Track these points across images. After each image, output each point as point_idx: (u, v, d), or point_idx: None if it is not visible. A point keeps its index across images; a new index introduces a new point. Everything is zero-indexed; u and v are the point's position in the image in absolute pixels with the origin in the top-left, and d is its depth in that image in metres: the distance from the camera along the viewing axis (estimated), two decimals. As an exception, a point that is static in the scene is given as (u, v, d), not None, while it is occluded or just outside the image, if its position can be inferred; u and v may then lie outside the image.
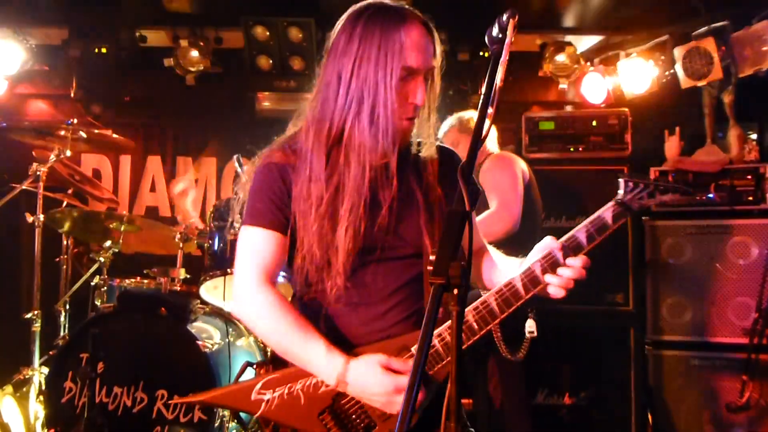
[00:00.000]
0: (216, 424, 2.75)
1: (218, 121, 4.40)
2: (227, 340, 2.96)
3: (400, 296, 1.55)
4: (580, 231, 1.52)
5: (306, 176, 1.48)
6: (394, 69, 1.43)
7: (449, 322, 1.37)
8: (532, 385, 3.52)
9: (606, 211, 1.53)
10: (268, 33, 3.86)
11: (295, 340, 1.47)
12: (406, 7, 1.51)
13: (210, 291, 3.05)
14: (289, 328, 1.47)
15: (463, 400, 1.55)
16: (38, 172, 3.12)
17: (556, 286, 1.47)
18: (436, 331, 1.46)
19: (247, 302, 1.53)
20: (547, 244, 1.51)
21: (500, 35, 1.36)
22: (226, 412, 2.80)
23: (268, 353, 3.31)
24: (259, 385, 1.49)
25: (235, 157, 2.94)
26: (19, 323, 3.50)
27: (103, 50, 3.89)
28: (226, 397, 1.59)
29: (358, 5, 1.53)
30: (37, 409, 3.10)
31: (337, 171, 1.48)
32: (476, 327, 1.47)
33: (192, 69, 4.02)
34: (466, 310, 1.44)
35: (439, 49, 1.53)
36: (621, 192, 1.55)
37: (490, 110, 1.28)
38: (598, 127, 3.63)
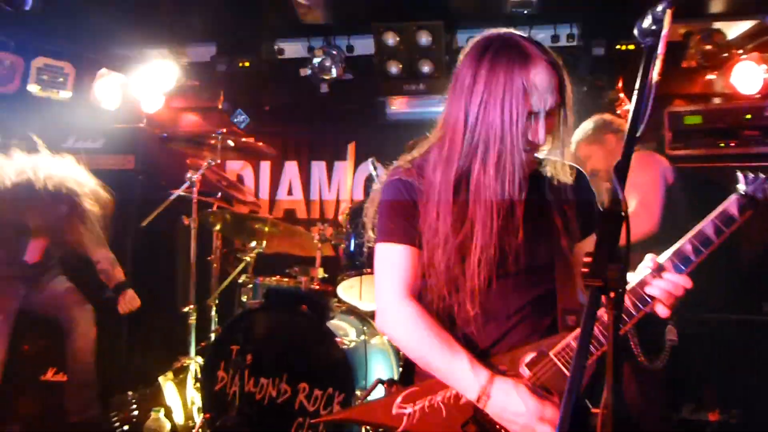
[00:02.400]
0: (353, 420, 2.85)
1: (350, 126, 4.54)
2: (363, 338, 3.06)
3: (526, 312, 1.55)
4: (707, 225, 1.46)
5: (434, 212, 1.52)
6: (520, 115, 1.43)
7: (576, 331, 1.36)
8: (675, 398, 3.31)
9: (730, 204, 1.47)
10: (397, 38, 3.94)
11: (439, 352, 1.48)
12: (531, 42, 1.49)
13: (346, 290, 3.16)
14: (432, 340, 1.49)
15: (594, 410, 1.50)
16: (193, 179, 3.40)
17: (660, 303, 1.42)
18: (563, 342, 1.45)
19: (391, 316, 1.56)
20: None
21: (654, 27, 1.31)
22: (363, 407, 2.89)
23: (401, 353, 3.39)
24: (399, 399, 1.52)
25: (369, 160, 3.04)
26: (175, 316, 3.85)
27: (246, 64, 4.16)
28: (367, 414, 1.62)
29: (483, 37, 1.53)
30: (193, 394, 3.38)
31: (465, 209, 1.50)
32: (602, 339, 1.43)
33: (326, 77, 4.20)
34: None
35: (567, 82, 1.51)
36: (742, 185, 1.49)
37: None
38: (753, 120, 3.34)
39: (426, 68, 4.04)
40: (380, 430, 2.22)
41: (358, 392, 2.81)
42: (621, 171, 1.14)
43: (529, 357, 1.48)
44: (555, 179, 1.60)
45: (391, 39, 3.92)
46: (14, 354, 3.52)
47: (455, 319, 1.53)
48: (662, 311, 1.43)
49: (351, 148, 4.29)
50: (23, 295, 3.42)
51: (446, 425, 1.48)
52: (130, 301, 3.63)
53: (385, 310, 1.58)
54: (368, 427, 2.78)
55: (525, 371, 1.48)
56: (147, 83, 4.37)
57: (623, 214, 1.08)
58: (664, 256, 1.46)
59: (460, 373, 1.45)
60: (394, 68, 4.04)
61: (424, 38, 3.92)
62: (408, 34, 3.92)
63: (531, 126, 1.47)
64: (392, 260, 1.56)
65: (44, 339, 3.81)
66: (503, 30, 1.53)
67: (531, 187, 1.58)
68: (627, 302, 1.42)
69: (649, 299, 1.42)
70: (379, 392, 1.64)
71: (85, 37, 4.23)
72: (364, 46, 4.28)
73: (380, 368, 3.10)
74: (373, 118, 4.41)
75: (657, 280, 1.42)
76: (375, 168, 3.03)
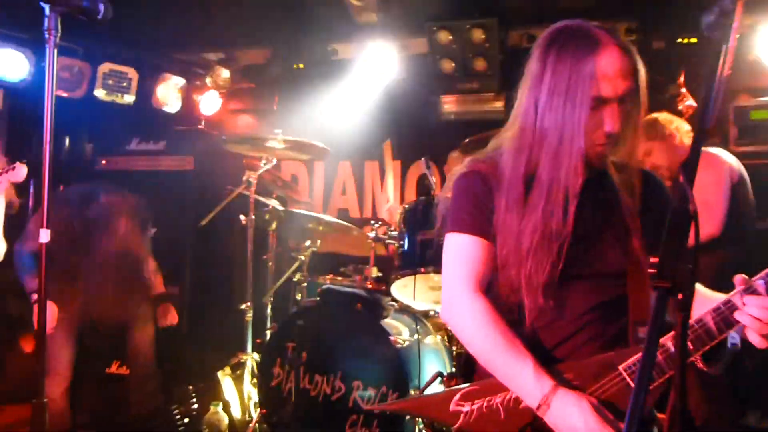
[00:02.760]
0: (407, 418, 2.85)
1: (403, 125, 4.55)
2: (416, 337, 3.06)
3: (592, 317, 1.51)
4: None
5: (505, 204, 1.50)
6: (584, 101, 1.40)
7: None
8: (741, 405, 3.18)
9: None
10: (451, 36, 3.92)
11: (503, 352, 1.45)
12: (602, 29, 1.46)
13: (400, 289, 3.17)
14: (498, 339, 1.46)
15: (660, 416, 1.45)
16: (251, 179, 3.48)
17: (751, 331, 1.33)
18: (635, 357, 1.41)
19: (458, 309, 1.54)
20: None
21: (722, 20, 1.26)
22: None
23: (454, 353, 3.38)
24: (457, 397, 1.50)
25: (423, 159, 3.04)
26: (232, 313, 3.94)
27: (301, 66, 4.23)
28: (425, 408, 1.62)
29: (553, 28, 1.51)
30: (250, 390, 3.46)
31: (533, 202, 1.48)
32: (690, 347, 1.36)
33: (378, 77, 4.23)
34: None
35: (641, 69, 1.46)
36: None
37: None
38: (825, 114, 3.17)
39: (479, 66, 4.02)
40: (435, 424, 2.22)
41: (411, 391, 2.82)
42: (689, 168, 1.10)
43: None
44: (627, 180, 1.55)
45: (444, 37, 3.91)
46: (79, 348, 3.68)
47: (523, 315, 1.50)
48: (756, 340, 1.34)
49: (386, 146, 4.30)
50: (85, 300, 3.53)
51: (503, 428, 1.46)
52: (167, 316, 3.65)
53: (452, 302, 1.56)
54: (421, 423, 2.83)
55: (591, 383, 1.43)
56: (205, 87, 4.51)
57: (692, 213, 1.04)
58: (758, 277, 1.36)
59: (522, 378, 1.43)
60: (447, 67, 4.03)
61: (478, 36, 3.89)
62: (461, 33, 3.90)
63: (602, 114, 1.44)
64: (463, 252, 1.54)
65: (106, 334, 3.97)
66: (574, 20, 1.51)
67: (599, 185, 1.54)
68: (710, 323, 1.35)
69: (734, 321, 1.34)
70: (435, 387, 1.64)
71: (148, 44, 4.39)
72: (417, 45, 4.28)
73: (433, 368, 3.08)
74: (427, 116, 4.41)
75: (750, 303, 1.32)
76: (428, 167, 3.03)
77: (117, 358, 3.93)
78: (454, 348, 3.36)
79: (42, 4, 1.52)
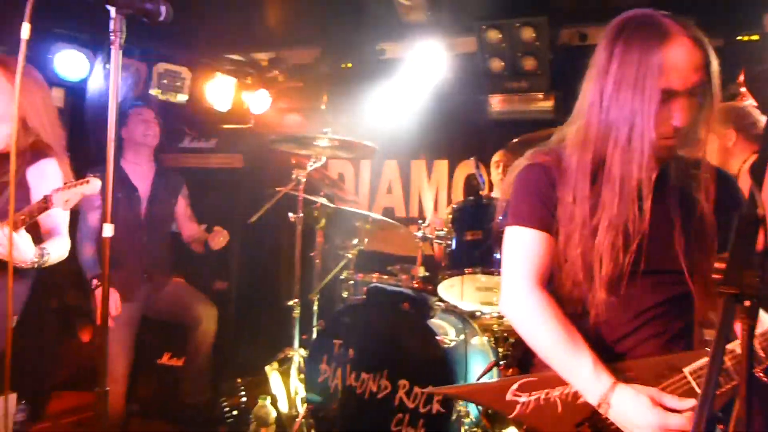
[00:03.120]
0: (453, 418, 2.85)
1: (450, 125, 4.53)
2: (463, 337, 3.05)
3: (655, 313, 1.48)
4: None
5: (570, 197, 1.48)
6: (653, 94, 1.37)
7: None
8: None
9: None
10: (500, 35, 3.89)
11: (563, 347, 1.44)
12: (672, 19, 1.42)
13: (447, 289, 3.16)
14: (558, 334, 1.45)
15: (720, 427, 1.41)
16: (300, 177, 3.52)
17: None
18: (702, 361, 1.37)
19: (519, 303, 1.54)
20: None
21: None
22: (462, 408, 2.89)
23: (500, 354, 3.35)
24: (515, 386, 1.50)
25: (473, 159, 3.03)
26: (279, 309, 4.00)
27: (349, 65, 4.26)
28: (480, 394, 1.63)
29: (621, 17, 1.48)
30: (297, 385, 3.51)
31: (605, 198, 1.46)
32: (763, 355, 1.33)
33: (426, 77, 4.23)
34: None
35: (713, 61, 1.41)
36: None
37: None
38: None
39: (529, 65, 3.97)
40: (489, 411, 2.20)
41: (457, 392, 2.81)
42: (758, 171, 1.07)
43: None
44: (699, 177, 1.51)
45: (493, 36, 3.88)
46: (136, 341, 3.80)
47: (585, 309, 1.48)
48: None
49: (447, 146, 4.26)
50: (147, 297, 3.61)
51: (559, 421, 1.45)
52: (221, 236, 3.61)
53: (512, 295, 1.55)
54: (467, 425, 2.82)
55: (653, 383, 1.41)
56: (255, 85, 4.59)
57: (761, 218, 1.01)
58: None
59: (581, 374, 1.41)
60: (496, 66, 3.99)
61: (528, 35, 3.85)
62: (511, 31, 3.86)
63: (670, 107, 1.40)
64: (525, 245, 1.53)
65: (162, 329, 4.08)
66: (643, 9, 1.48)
67: (668, 180, 1.51)
68: None
69: None
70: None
71: (200, 44, 4.49)
72: (465, 44, 4.26)
73: (479, 368, 3.07)
74: (474, 116, 4.38)
75: None
76: (477, 166, 3.01)
77: (168, 350, 4.05)
78: (500, 349, 3.34)
79: (108, 6, 1.57)
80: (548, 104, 4.15)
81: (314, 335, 3.71)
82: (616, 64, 1.42)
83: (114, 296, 3.20)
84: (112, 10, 1.58)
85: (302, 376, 3.37)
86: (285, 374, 3.56)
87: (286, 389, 3.52)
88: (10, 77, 2.43)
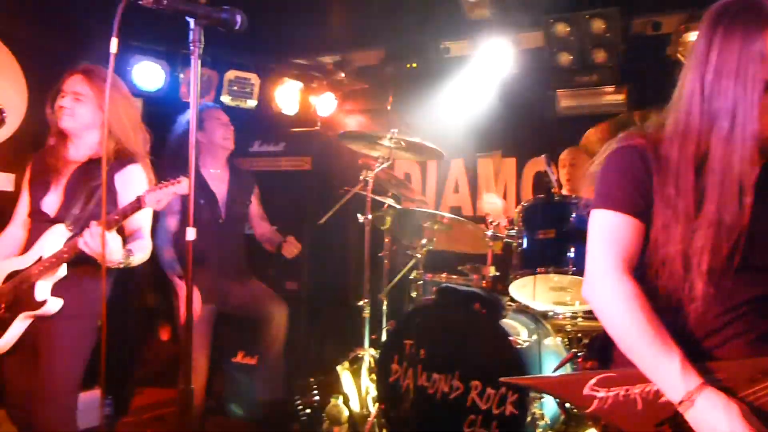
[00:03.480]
0: (527, 420, 2.80)
1: (518, 122, 4.46)
2: (536, 338, 3.00)
3: (746, 309, 1.42)
4: None
5: (672, 188, 1.42)
6: (755, 84, 1.31)
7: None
8: None
9: None
10: (569, 28, 3.80)
11: (647, 341, 1.38)
12: None
13: (519, 289, 3.11)
14: (644, 325, 1.39)
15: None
16: (368, 178, 3.55)
17: None
18: None
19: (604, 290, 1.47)
20: None
21: None
22: (537, 410, 2.84)
23: (577, 349, 3.27)
24: (593, 381, 1.46)
25: (544, 156, 2.96)
26: (347, 309, 4.05)
27: (414, 65, 4.26)
28: (557, 386, 1.58)
29: (721, 2, 1.41)
30: (368, 384, 3.54)
31: (708, 193, 1.40)
32: None
33: (492, 74, 4.17)
34: None
35: None
36: None
37: None
38: None
39: (599, 58, 3.85)
40: (566, 405, 2.15)
41: (531, 394, 2.76)
42: None
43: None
44: None
45: (562, 30, 3.79)
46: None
47: (680, 303, 1.43)
48: None
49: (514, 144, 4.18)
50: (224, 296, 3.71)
51: (639, 420, 1.41)
52: (294, 247, 3.78)
53: (596, 280, 1.49)
54: (541, 427, 2.76)
55: (745, 387, 1.35)
56: (321, 89, 4.66)
57: None
58: None
59: (666, 370, 1.35)
60: (564, 60, 3.90)
61: (598, 26, 3.74)
62: (580, 24, 3.76)
63: None
64: (614, 229, 1.48)
65: (235, 328, 4.20)
66: None
67: None
68: None
69: None
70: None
71: (268, 50, 4.60)
72: (531, 39, 4.18)
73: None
74: (542, 112, 4.29)
75: None
76: (549, 164, 2.95)
77: (242, 349, 4.17)
78: (574, 350, 3.26)
79: (187, 18, 1.63)
80: (620, 97, 4.02)
81: (384, 335, 3.73)
82: (716, 52, 1.37)
83: (196, 297, 3.31)
84: (191, 22, 1.63)
85: (373, 375, 3.39)
86: (356, 374, 3.60)
87: (357, 389, 3.55)
88: (93, 87, 2.57)
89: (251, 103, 4.58)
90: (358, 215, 3.64)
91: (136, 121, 2.63)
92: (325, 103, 4.76)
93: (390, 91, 4.48)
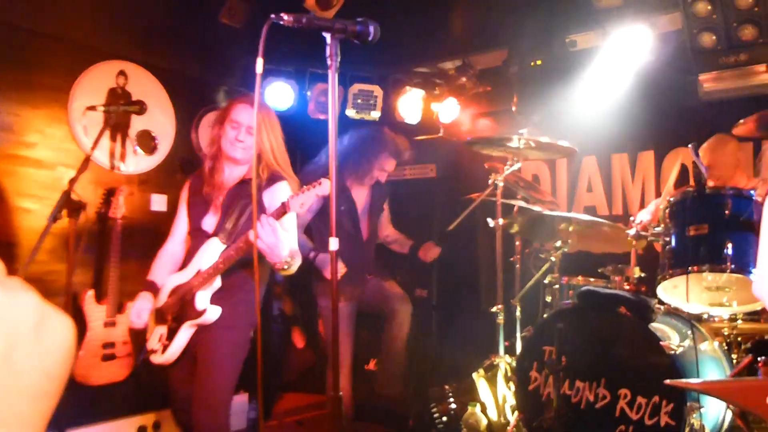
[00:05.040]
0: (685, 431, 2.58)
1: (654, 112, 4.16)
2: (690, 343, 2.76)
3: None
4: None
5: None
6: None
7: None
8: None
9: None
10: (710, 6, 3.49)
11: None
12: None
13: (668, 291, 2.88)
14: None
15: None
16: (498, 182, 3.47)
17: None
18: None
19: None
20: None
21: None
22: (696, 420, 2.61)
23: (734, 362, 2.97)
24: None
25: (690, 145, 2.74)
26: (480, 315, 3.98)
27: (539, 62, 4.13)
28: (734, 392, 1.46)
29: None
30: (505, 392, 3.45)
31: None
32: None
33: (624, 63, 3.93)
34: None
35: None
36: None
37: None
38: None
39: (748, 35, 3.50)
40: (746, 413, 1.95)
41: (689, 403, 2.54)
42: None
43: None
44: None
45: (703, 8, 3.49)
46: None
47: None
48: None
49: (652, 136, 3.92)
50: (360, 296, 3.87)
51: None
52: (432, 251, 4.02)
53: None
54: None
55: None
56: (444, 95, 4.65)
57: None
58: None
59: None
60: (707, 40, 3.59)
61: (745, 1, 3.40)
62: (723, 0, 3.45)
63: None
64: None
65: (367, 331, 4.28)
66: None
67: None
68: None
69: None
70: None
71: (389, 60, 4.67)
72: (668, 21, 3.90)
73: (713, 377, 2.76)
74: (682, 100, 3.98)
75: None
76: (697, 154, 2.71)
77: (375, 356, 4.24)
78: (734, 355, 2.97)
79: (324, 33, 1.68)
80: (775, 75, 3.63)
81: (519, 342, 3.63)
82: None
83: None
84: (328, 37, 1.68)
85: (510, 383, 3.30)
86: (491, 381, 3.52)
87: (493, 397, 3.47)
88: (259, 118, 2.70)
89: (375, 115, 4.66)
90: (489, 220, 3.57)
91: (280, 141, 2.78)
92: (448, 109, 4.74)
93: (514, 92, 4.36)
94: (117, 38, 4.11)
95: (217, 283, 2.61)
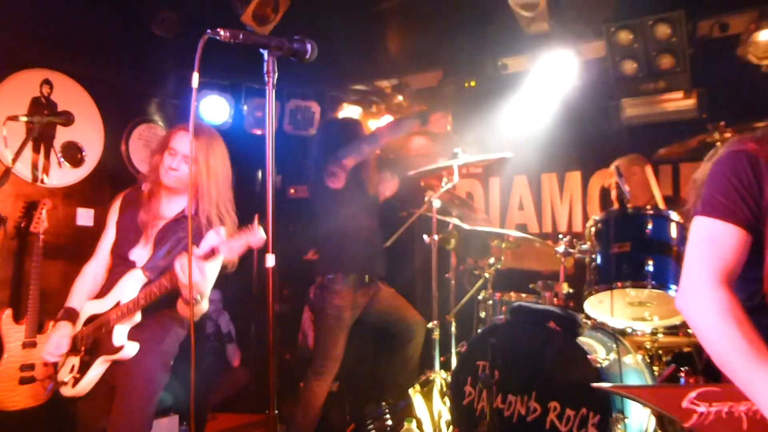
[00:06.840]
0: (610, 442, 2.68)
1: (581, 134, 4.36)
2: (614, 356, 2.88)
3: None
4: None
5: None
6: None
7: None
8: None
9: None
10: (632, 36, 3.70)
11: (744, 354, 1.31)
12: None
13: (594, 306, 3.01)
14: (739, 341, 1.32)
15: None
16: (432, 199, 3.53)
17: None
18: None
19: (698, 301, 1.41)
20: None
21: None
22: (621, 430, 2.71)
23: (656, 374, 3.12)
24: (693, 394, 1.39)
25: (613, 167, 2.88)
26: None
27: (473, 84, 4.25)
28: (654, 397, 1.50)
29: None
30: (440, 407, 3.48)
31: None
32: None
33: (552, 87, 4.11)
34: None
35: None
36: None
37: None
38: None
39: (666, 64, 3.74)
40: (662, 416, 2.03)
41: (614, 414, 2.65)
42: None
43: None
44: None
45: (624, 38, 3.70)
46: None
47: None
48: None
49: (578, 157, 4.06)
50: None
51: None
52: (442, 120, 3.64)
53: (690, 290, 1.43)
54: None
55: None
56: (380, 113, 4.70)
57: None
58: None
59: (762, 386, 1.28)
60: (628, 68, 3.80)
61: (663, 32, 3.63)
62: (644, 30, 3.66)
63: None
64: (715, 239, 1.42)
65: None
66: None
67: None
68: None
69: None
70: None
71: (327, 78, 4.69)
72: (592, 49, 4.10)
73: (636, 389, 2.88)
74: (607, 123, 4.18)
75: None
76: (620, 175, 2.86)
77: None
78: (655, 368, 3.11)
79: (261, 50, 1.68)
80: (690, 102, 3.88)
81: (454, 357, 3.67)
82: None
83: None
84: (265, 53, 1.68)
85: (445, 398, 3.33)
86: (427, 397, 3.54)
87: (429, 412, 3.50)
88: (200, 147, 2.50)
89: (312, 131, 4.66)
90: (425, 236, 3.62)
91: (227, 177, 2.61)
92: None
93: (449, 111, 4.46)
94: (42, 46, 3.94)
95: (137, 317, 2.48)
